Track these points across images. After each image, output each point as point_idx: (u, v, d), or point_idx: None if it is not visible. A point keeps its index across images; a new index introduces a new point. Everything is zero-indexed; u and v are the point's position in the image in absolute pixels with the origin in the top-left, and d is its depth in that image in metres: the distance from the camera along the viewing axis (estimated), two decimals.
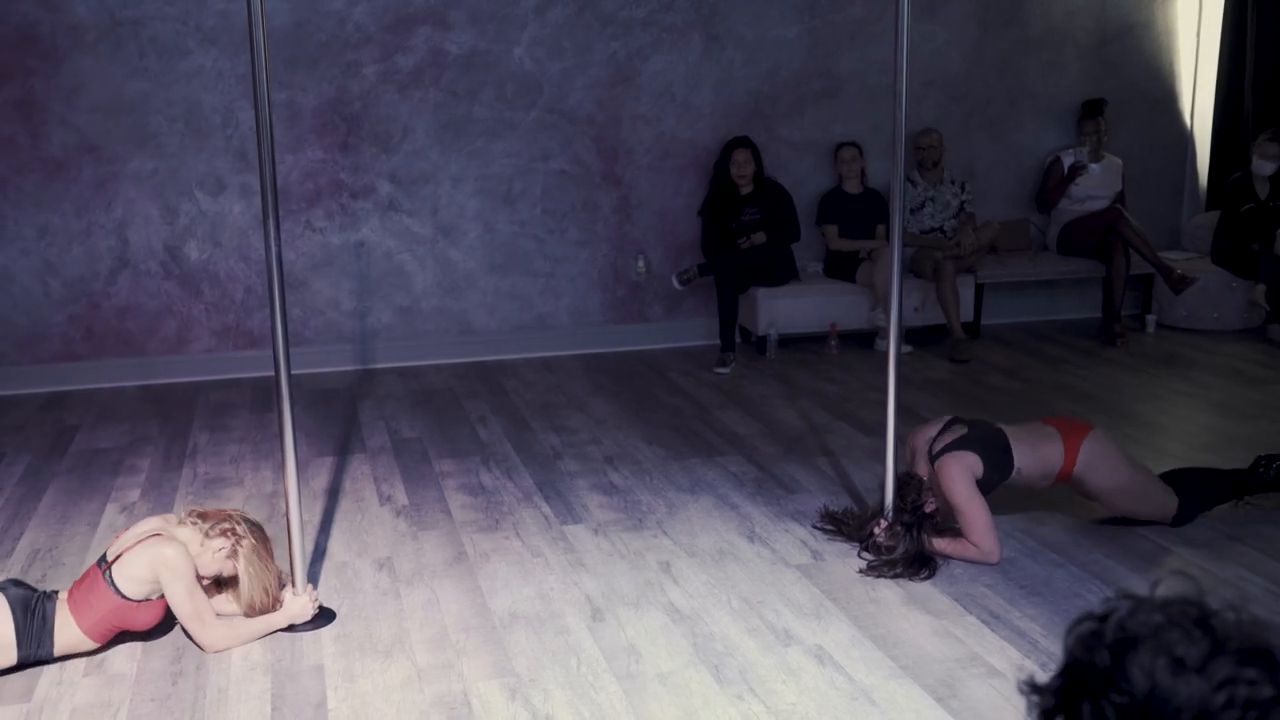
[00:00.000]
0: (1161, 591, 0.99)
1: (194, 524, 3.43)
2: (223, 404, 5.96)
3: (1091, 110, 7.29)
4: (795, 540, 4.08)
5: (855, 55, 7.05)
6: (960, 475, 3.79)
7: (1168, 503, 4.06)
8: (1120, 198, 7.29)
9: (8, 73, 6.00)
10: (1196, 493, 4.11)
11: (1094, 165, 7.22)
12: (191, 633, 3.35)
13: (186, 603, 3.30)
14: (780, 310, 6.76)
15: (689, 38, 6.80)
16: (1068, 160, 7.25)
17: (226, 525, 3.43)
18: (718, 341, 6.66)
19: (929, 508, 3.87)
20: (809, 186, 7.07)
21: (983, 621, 3.46)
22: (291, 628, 3.48)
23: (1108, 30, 7.47)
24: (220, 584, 3.55)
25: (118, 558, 3.32)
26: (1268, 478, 4.22)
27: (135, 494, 4.68)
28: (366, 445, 5.26)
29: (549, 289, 6.88)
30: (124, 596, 3.28)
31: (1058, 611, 3.51)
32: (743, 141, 6.65)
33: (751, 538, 4.12)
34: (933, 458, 3.90)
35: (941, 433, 3.95)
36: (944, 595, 3.64)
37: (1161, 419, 5.48)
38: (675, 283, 6.66)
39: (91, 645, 3.32)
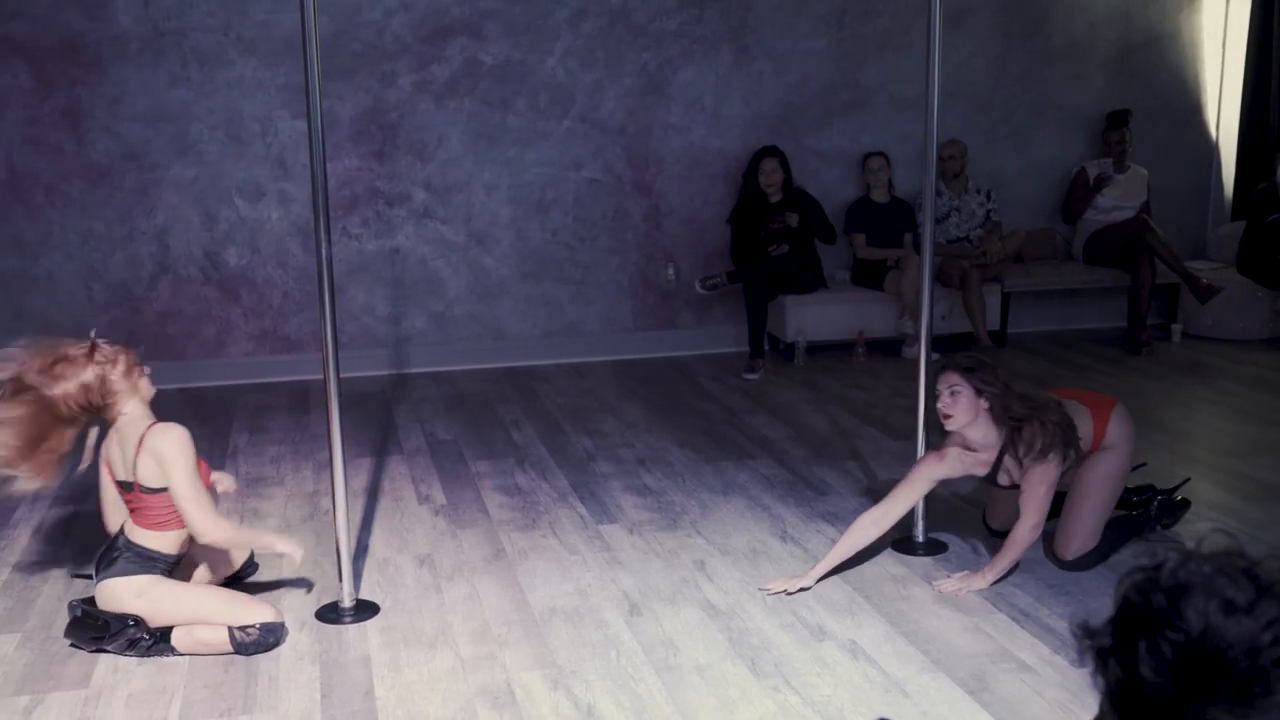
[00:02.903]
0: (1206, 546, 1.09)
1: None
2: (261, 406, 6.08)
3: (1116, 121, 7.35)
4: (827, 540, 4.16)
5: (882, 66, 7.14)
6: (1052, 479, 3.72)
7: (1097, 534, 3.87)
8: (1146, 208, 7.35)
9: (54, 82, 6.15)
10: (1107, 544, 3.92)
11: (1119, 175, 7.29)
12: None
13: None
14: (808, 318, 6.85)
15: (719, 49, 6.90)
16: (1093, 171, 7.32)
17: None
18: (746, 348, 6.75)
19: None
20: (837, 196, 7.16)
21: (1012, 619, 3.54)
22: None
23: (1132, 41, 7.54)
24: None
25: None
26: (1154, 512, 4.16)
27: None
28: (403, 447, 5.36)
29: (580, 296, 6.98)
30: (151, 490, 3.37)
31: (1087, 609, 3.58)
32: (771, 151, 6.75)
33: (784, 538, 4.20)
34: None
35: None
36: (974, 593, 3.71)
37: (1187, 425, 5.54)
38: (699, 287, 6.76)
39: (175, 545, 3.44)
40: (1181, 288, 7.21)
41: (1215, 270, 7.40)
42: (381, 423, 5.77)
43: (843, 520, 4.35)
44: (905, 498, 3.82)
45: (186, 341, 6.54)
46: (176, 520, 3.41)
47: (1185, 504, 4.27)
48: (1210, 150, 7.86)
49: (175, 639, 3.41)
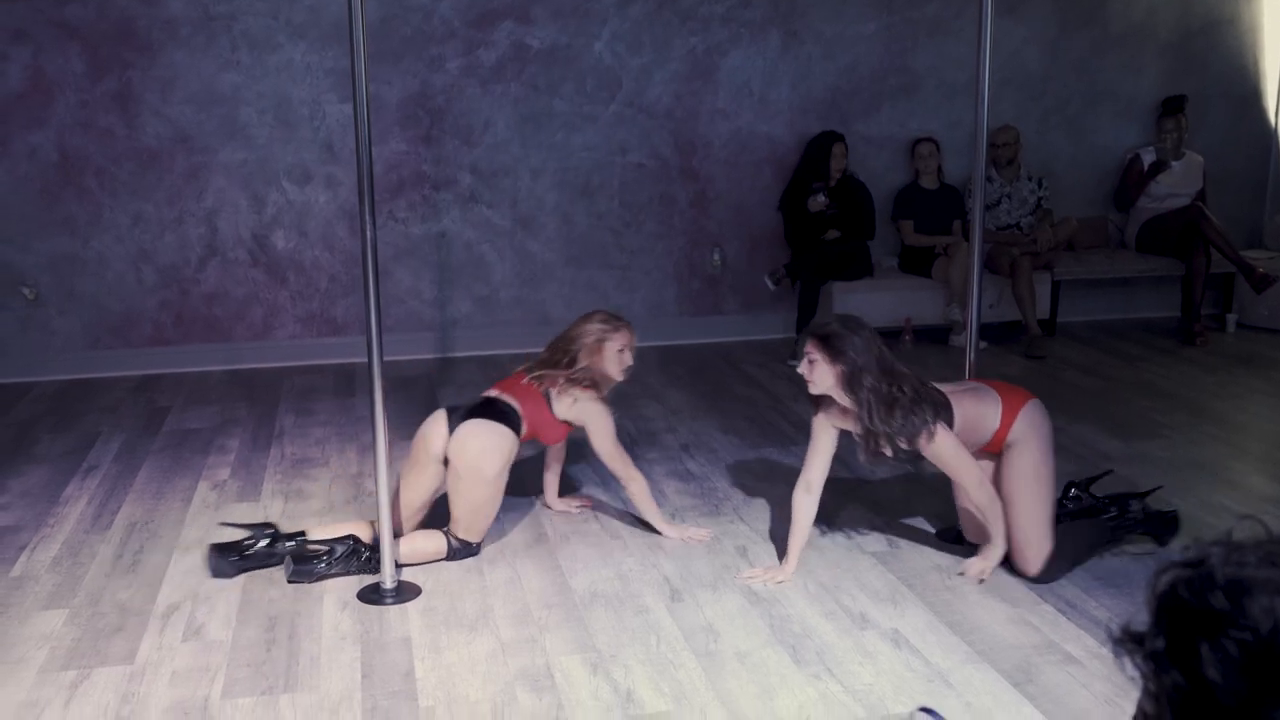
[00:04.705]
0: (1239, 536, 1.05)
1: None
2: (307, 389, 6.12)
3: (1172, 108, 7.22)
4: (871, 528, 4.13)
5: (933, 51, 7.06)
6: (952, 443, 3.58)
7: (1048, 538, 3.66)
8: (1201, 196, 7.22)
9: (106, 65, 6.20)
10: (1069, 546, 3.70)
11: (1174, 163, 7.16)
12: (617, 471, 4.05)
13: (618, 452, 4.01)
14: (855, 304, 6.78)
15: (767, 33, 6.85)
16: (1147, 158, 7.20)
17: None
18: (792, 335, 6.71)
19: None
20: (885, 182, 7.09)
21: (1059, 610, 3.49)
22: None
23: (1190, 27, 7.40)
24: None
25: (549, 380, 3.97)
26: (1131, 520, 3.95)
27: (226, 472, 4.84)
28: None
29: (625, 281, 6.96)
30: (554, 414, 3.97)
31: (1134, 602, 3.52)
32: (840, 136, 6.71)
33: (828, 525, 4.16)
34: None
35: None
36: (1020, 584, 3.67)
37: (1242, 418, 5.44)
38: (768, 283, 6.75)
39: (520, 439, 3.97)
40: (1237, 277, 7.08)
41: (1272, 259, 7.26)
42: (426, 406, 5.74)
43: (885, 508, 4.32)
44: (820, 457, 3.74)
45: (234, 323, 6.59)
46: (529, 422, 3.97)
47: (1175, 520, 3.98)
48: (1268, 137, 7.71)
49: (402, 550, 3.78)
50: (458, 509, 3.88)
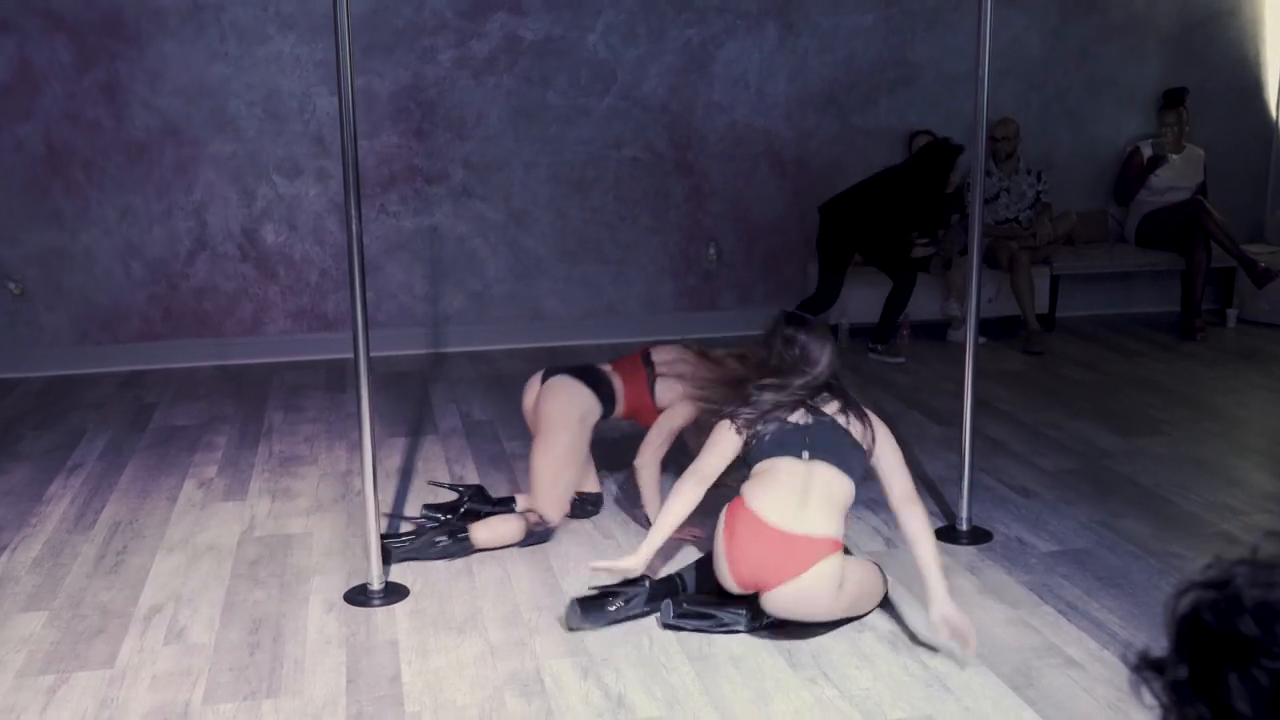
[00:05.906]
0: (1265, 554, 0.97)
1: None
2: (297, 385, 6.04)
3: (1173, 100, 7.15)
4: (868, 528, 4.06)
5: (932, 43, 6.98)
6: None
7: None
8: (1202, 189, 7.15)
9: (94, 56, 6.12)
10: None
11: (1175, 156, 7.09)
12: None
13: (661, 431, 3.98)
14: (852, 299, 6.71)
15: (764, 25, 6.77)
16: (1147, 151, 7.13)
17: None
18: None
19: None
20: None
21: (1059, 612, 3.42)
22: None
23: (1191, 18, 7.33)
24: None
25: (659, 374, 4.04)
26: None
27: (213, 470, 4.76)
28: (438, 427, 5.30)
29: (620, 276, 6.89)
30: (654, 398, 4.02)
31: (1136, 604, 3.46)
32: (962, 148, 6.13)
33: None
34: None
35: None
36: (1019, 585, 3.60)
37: (1243, 413, 5.37)
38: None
39: (621, 415, 4.08)
40: (1238, 271, 7.02)
41: (1273, 254, 7.19)
42: (417, 402, 5.71)
43: (883, 508, 4.23)
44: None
45: (224, 318, 6.51)
46: (632, 404, 4.05)
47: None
48: (1270, 130, 7.64)
49: (474, 534, 3.82)
50: (536, 474, 3.88)
